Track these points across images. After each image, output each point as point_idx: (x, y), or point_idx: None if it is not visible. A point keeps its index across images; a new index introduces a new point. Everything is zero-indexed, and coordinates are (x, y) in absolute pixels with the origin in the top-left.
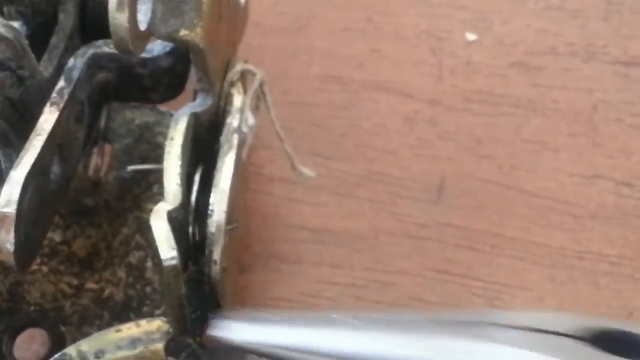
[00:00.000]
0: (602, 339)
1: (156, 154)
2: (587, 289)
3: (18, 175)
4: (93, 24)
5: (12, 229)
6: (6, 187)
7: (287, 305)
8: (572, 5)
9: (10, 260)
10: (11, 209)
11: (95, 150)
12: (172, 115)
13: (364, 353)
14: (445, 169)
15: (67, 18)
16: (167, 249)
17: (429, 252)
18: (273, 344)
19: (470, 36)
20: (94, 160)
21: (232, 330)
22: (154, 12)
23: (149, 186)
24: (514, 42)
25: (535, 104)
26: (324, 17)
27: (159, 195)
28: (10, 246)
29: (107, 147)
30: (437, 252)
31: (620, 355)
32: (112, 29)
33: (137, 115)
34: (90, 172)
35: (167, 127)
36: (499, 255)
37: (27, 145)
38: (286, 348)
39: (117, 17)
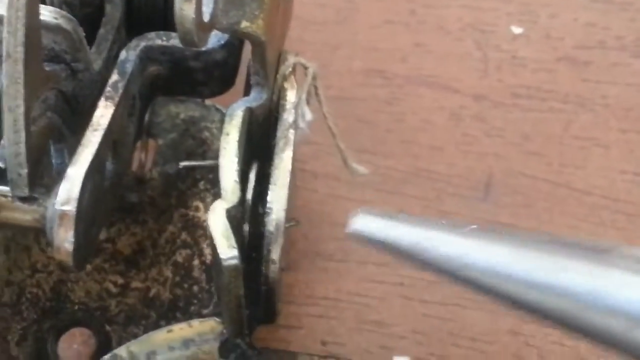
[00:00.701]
0: None
1: (202, 150)
2: None
3: (77, 172)
4: (139, 16)
5: (72, 228)
6: (64, 184)
7: (333, 304)
8: None
9: (69, 260)
10: (71, 207)
11: (138, 145)
12: (217, 110)
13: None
14: (493, 165)
15: (114, 9)
16: (227, 248)
17: None
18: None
19: (516, 30)
20: (137, 155)
21: (373, 226)
22: (215, 2)
23: (194, 182)
24: (561, 36)
25: (584, 100)
26: (365, 10)
27: (205, 192)
28: (69, 245)
29: (151, 142)
30: None
31: None
32: (178, 20)
33: (182, 110)
34: (134, 167)
35: (213, 121)
36: None
37: (84, 141)
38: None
39: (185, 8)
